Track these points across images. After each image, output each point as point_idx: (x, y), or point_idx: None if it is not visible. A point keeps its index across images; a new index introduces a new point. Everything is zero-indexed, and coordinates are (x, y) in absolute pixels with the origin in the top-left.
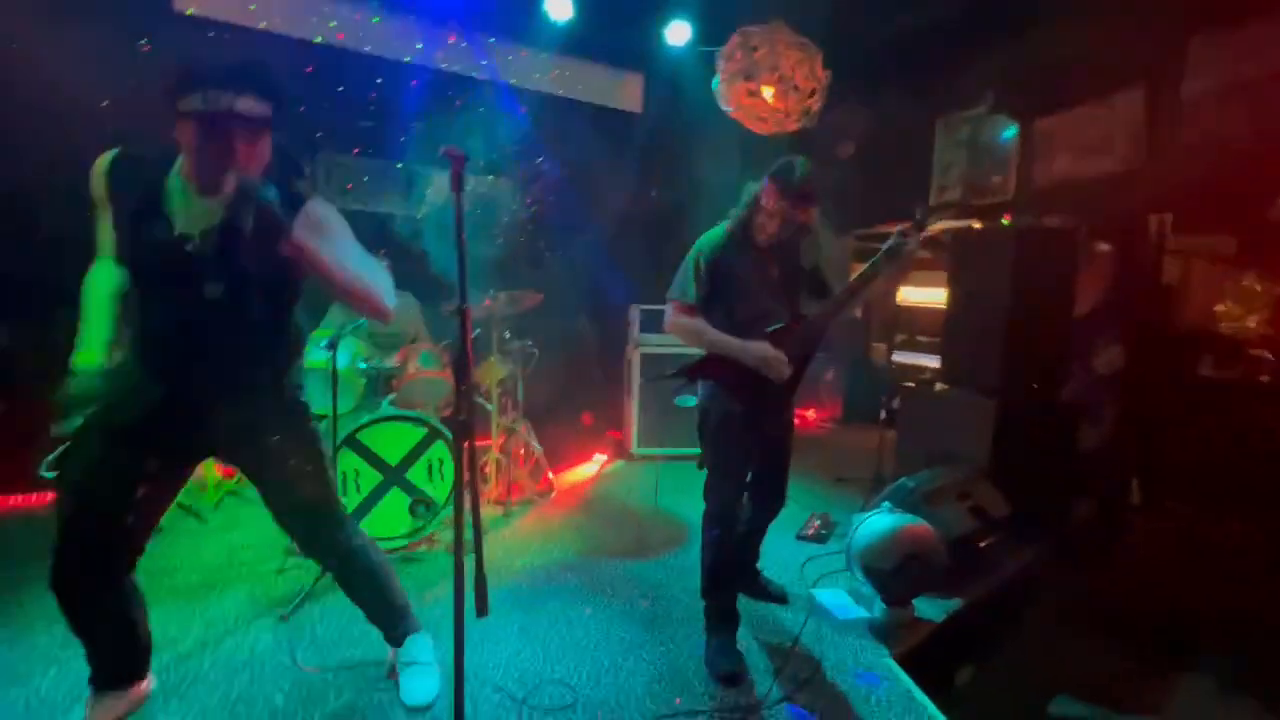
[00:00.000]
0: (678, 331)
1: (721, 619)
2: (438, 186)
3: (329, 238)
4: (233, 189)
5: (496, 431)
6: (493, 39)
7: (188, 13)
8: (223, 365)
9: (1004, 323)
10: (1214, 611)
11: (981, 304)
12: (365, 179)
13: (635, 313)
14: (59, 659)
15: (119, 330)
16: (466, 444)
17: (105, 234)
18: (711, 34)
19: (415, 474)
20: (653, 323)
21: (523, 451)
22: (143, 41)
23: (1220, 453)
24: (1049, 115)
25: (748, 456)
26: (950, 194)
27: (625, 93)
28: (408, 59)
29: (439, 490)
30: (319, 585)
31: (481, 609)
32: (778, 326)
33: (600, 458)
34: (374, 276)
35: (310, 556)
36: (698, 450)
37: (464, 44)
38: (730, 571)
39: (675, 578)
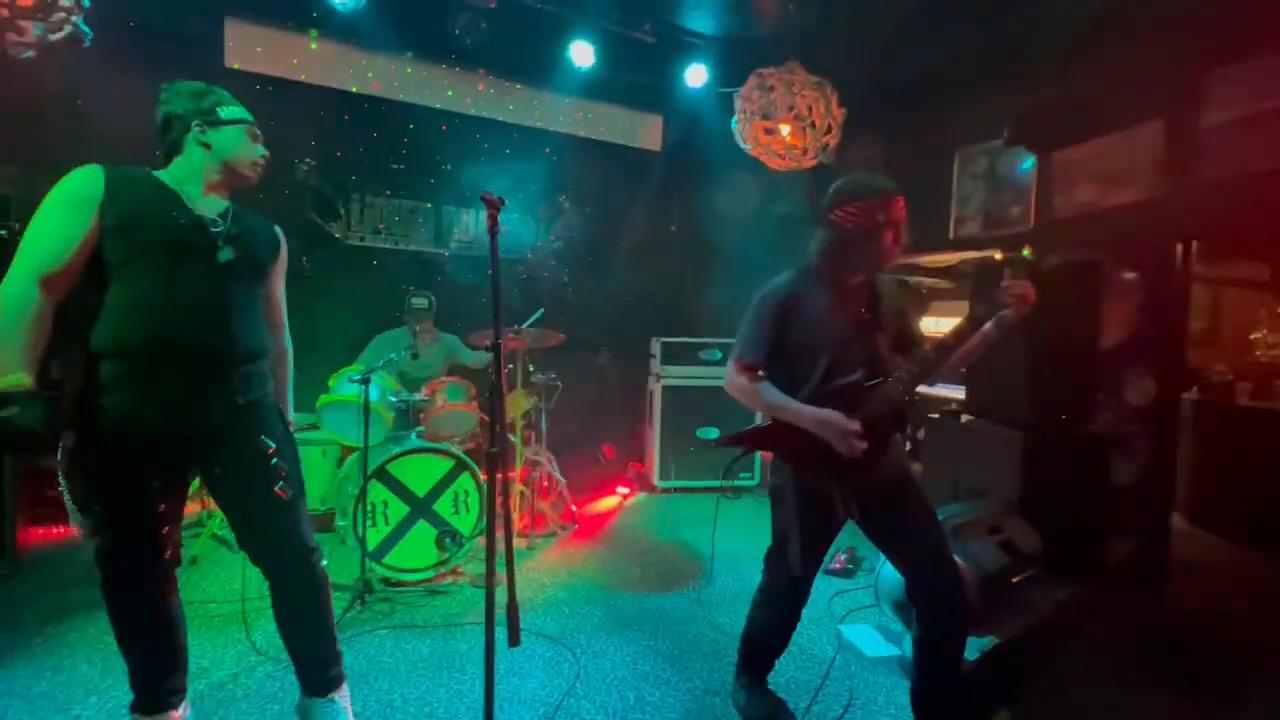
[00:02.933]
0: (736, 393)
1: (755, 664)
2: (465, 226)
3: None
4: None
5: (520, 464)
6: (519, 85)
7: (235, 68)
8: (231, 358)
9: (1029, 354)
10: (1266, 652)
11: (1004, 341)
12: (396, 219)
13: (656, 345)
14: (99, 689)
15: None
16: (500, 475)
17: (55, 254)
18: (729, 76)
19: (442, 506)
20: (674, 355)
21: (546, 484)
22: None
23: (1265, 484)
24: (1067, 147)
25: (820, 541)
26: (969, 226)
27: (645, 133)
28: (438, 105)
29: (464, 523)
30: (346, 618)
31: (514, 638)
32: (849, 381)
33: (623, 490)
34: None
35: (270, 570)
36: (720, 483)
37: (491, 90)
38: (775, 652)
39: (700, 611)
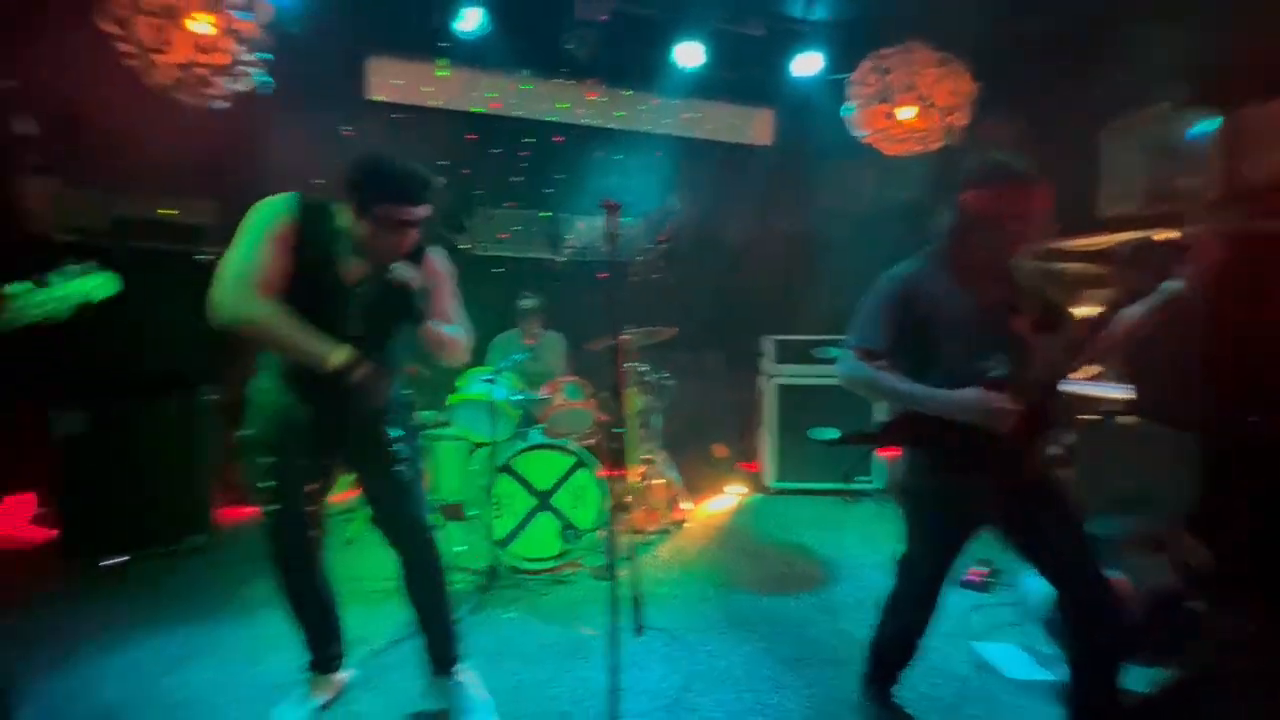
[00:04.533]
0: (855, 385)
1: (881, 675)
2: (579, 232)
3: (440, 285)
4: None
5: (635, 462)
6: (628, 91)
7: (375, 100)
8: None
9: (1209, 345)
10: None
11: (1175, 324)
12: (516, 228)
13: (768, 343)
14: (282, 645)
15: (266, 359)
16: (620, 472)
17: (268, 269)
18: (843, 62)
19: (562, 500)
20: (787, 353)
21: (659, 482)
22: (345, 128)
23: None
24: (1258, 104)
25: (954, 545)
26: (1125, 203)
27: (755, 127)
28: (552, 118)
29: (583, 517)
30: (483, 599)
31: (638, 627)
32: (981, 372)
33: (735, 490)
34: (459, 331)
35: (396, 544)
36: (839, 485)
37: (603, 99)
38: (900, 664)
39: (820, 617)
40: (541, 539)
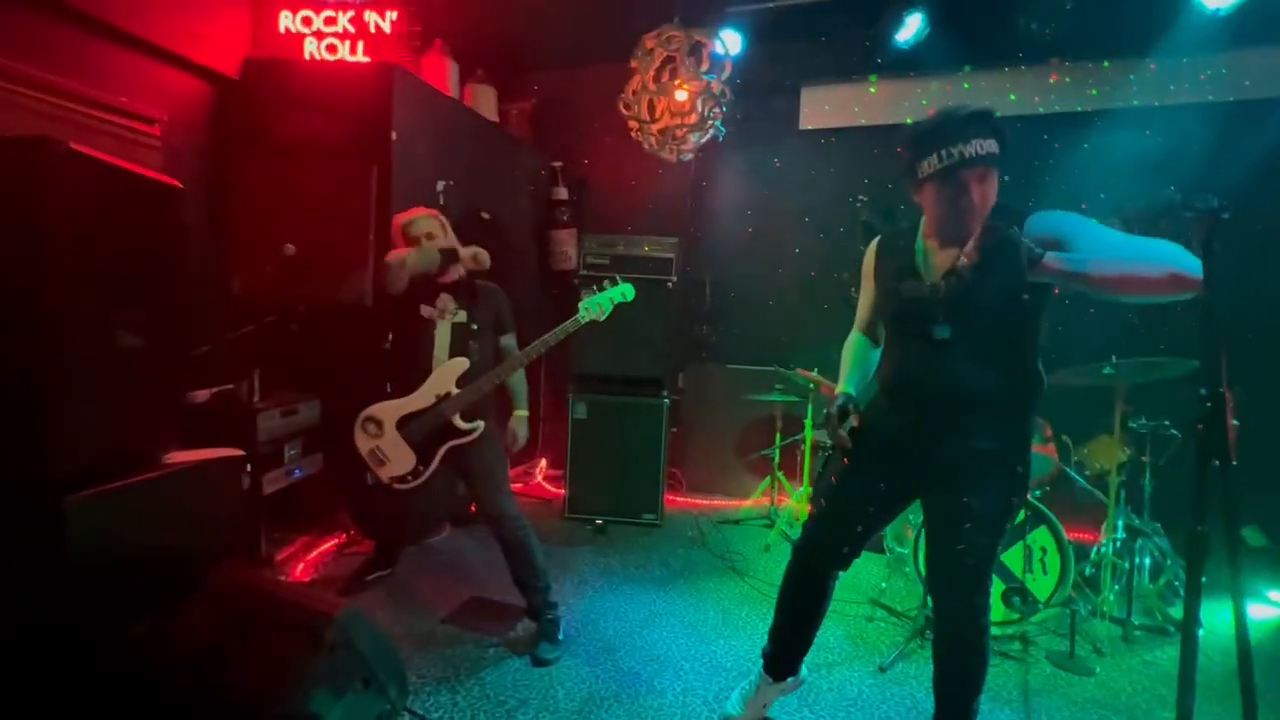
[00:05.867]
0: None
1: None
2: None
3: (1065, 244)
4: (974, 237)
5: (1118, 531)
6: (1105, 62)
7: (806, 129)
8: (956, 406)
9: None
10: None
11: None
12: None
13: None
14: (724, 634)
15: (876, 375)
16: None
17: (864, 307)
18: None
19: (1011, 558)
20: None
21: (1144, 562)
22: (776, 160)
23: None
24: None
25: None
26: None
27: None
28: (999, 113)
29: (1039, 585)
30: (910, 646)
31: None
32: None
33: None
34: (1151, 254)
35: (947, 605)
36: None
37: (1066, 79)
38: None
39: None
40: None
